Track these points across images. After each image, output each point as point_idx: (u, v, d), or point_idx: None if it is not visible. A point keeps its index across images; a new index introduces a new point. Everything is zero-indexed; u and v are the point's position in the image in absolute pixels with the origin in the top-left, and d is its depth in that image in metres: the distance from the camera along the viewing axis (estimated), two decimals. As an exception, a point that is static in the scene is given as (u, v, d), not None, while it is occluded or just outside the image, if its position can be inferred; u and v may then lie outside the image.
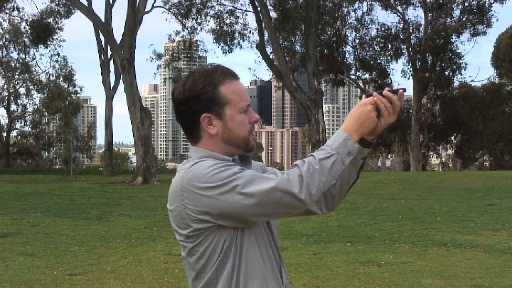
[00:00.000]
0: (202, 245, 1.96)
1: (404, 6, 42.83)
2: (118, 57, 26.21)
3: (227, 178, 1.88)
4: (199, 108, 2.00)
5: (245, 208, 1.87)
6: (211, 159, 1.98)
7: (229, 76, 2.02)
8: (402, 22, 43.06)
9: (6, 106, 47.06)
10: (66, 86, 46.28)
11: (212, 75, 2.01)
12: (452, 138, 48.54)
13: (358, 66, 44.09)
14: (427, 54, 42.32)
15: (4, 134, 46.02)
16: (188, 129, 2.05)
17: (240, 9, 35.82)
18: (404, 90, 2.05)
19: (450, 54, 43.17)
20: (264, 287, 1.98)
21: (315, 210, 2.18)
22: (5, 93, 47.21)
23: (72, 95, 46.85)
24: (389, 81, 44.39)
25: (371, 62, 43.59)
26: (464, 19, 42.49)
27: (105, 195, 19.52)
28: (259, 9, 31.07)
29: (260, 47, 32.25)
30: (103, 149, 42.46)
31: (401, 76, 43.32)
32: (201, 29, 36.71)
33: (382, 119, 2.03)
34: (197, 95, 1.99)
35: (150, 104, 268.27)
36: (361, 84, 45.42)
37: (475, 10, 42.15)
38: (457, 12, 43.09)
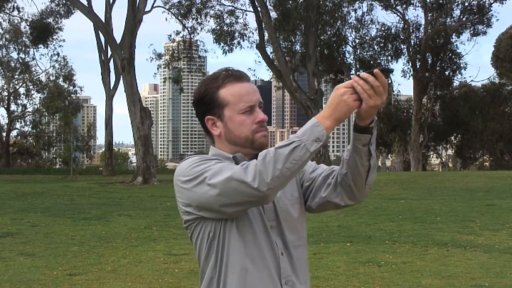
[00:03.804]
0: (194, 236, 2.09)
1: (404, 6, 42.88)
2: (118, 57, 26.21)
3: (201, 171, 1.97)
4: (204, 110, 2.11)
5: (212, 198, 1.94)
6: (200, 155, 2.07)
7: (231, 79, 2.08)
8: (402, 22, 43.10)
9: (6, 106, 47.10)
10: (66, 86, 46.37)
11: (216, 79, 2.09)
12: (452, 138, 48.56)
13: (358, 66, 44.08)
14: (427, 54, 42.33)
15: (4, 134, 46.05)
16: (204, 131, 2.16)
17: (240, 9, 35.88)
18: (390, 70, 1.94)
19: (450, 54, 43.19)
20: (242, 279, 2.00)
21: (337, 201, 2.15)
22: (5, 93, 47.26)
23: (72, 95, 46.93)
24: (389, 81, 44.22)
25: (371, 62, 43.57)
26: (464, 19, 42.51)
27: (105, 195, 19.52)
28: (259, 9, 31.07)
29: (260, 47, 32.25)
30: (103, 149, 42.47)
31: (401, 76, 43.24)
32: (201, 29, 36.83)
33: (364, 102, 1.92)
34: (201, 98, 2.11)
35: (150, 104, 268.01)
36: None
37: (475, 10, 42.17)
38: (457, 12, 43.19)
